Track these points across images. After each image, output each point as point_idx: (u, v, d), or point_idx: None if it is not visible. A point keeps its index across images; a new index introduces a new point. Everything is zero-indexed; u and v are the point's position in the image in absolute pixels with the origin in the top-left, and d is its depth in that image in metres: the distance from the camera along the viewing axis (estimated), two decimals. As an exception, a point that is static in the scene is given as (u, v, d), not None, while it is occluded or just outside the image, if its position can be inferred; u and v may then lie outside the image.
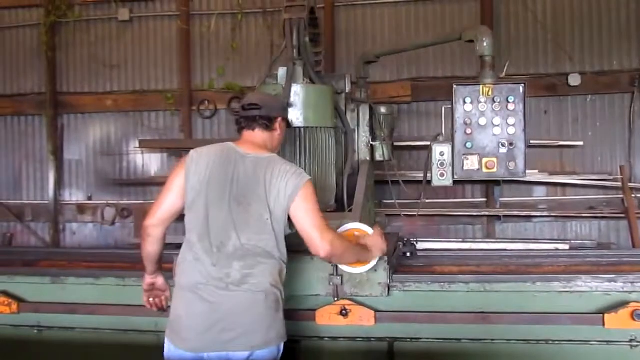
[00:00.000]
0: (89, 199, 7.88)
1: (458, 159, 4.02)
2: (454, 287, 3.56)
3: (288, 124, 3.37)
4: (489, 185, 6.91)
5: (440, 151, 4.05)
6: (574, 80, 6.77)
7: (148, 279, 3.27)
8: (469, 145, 4.00)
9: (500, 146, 3.98)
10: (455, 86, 4.04)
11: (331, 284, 3.46)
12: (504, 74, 4.18)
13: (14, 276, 4.00)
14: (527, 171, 6.50)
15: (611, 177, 6.82)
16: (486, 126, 4.00)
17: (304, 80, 4.03)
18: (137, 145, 7.53)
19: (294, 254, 3.20)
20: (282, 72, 4.01)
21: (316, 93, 4.02)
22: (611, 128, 6.89)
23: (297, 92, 3.94)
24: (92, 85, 7.93)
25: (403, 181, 4.82)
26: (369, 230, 3.34)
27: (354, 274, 3.43)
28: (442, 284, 3.57)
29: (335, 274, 3.44)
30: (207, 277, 2.88)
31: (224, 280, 2.86)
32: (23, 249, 6.84)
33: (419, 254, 4.69)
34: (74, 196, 8.02)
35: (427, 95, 7.05)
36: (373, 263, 3.34)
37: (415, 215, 6.06)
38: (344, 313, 3.48)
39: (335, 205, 4.13)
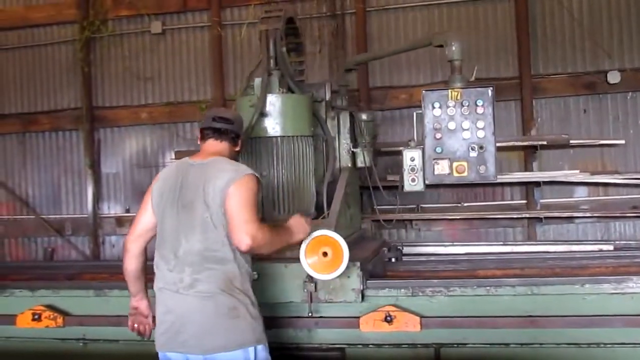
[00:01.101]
0: (127, 211, 7.94)
1: (429, 163, 4.05)
2: (500, 291, 3.49)
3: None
4: (529, 186, 6.78)
5: (411, 156, 4.10)
6: (613, 77, 6.60)
7: (132, 302, 3.39)
8: (438, 149, 4.03)
9: (470, 150, 4.00)
10: (423, 91, 4.09)
11: (305, 290, 3.46)
12: (473, 78, 4.15)
13: (58, 290, 4.07)
14: (569, 171, 6.61)
15: (655, 175, 6.62)
16: (455, 130, 4.02)
17: (280, 90, 4.06)
18: (173, 156, 7.55)
19: (267, 262, 3.34)
20: (257, 82, 4.07)
21: (292, 102, 4.07)
22: (653, 125, 6.71)
23: (272, 102, 3.99)
24: (127, 99, 7.99)
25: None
26: (337, 237, 3.31)
27: (327, 280, 3.41)
28: (488, 287, 3.50)
29: (309, 280, 3.44)
30: (165, 282, 3.04)
31: (177, 285, 2.99)
32: (65, 263, 6.87)
33: (406, 259, 4.77)
34: (112, 209, 8.09)
35: (464, 98, 6.93)
36: (341, 269, 3.30)
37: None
38: (388, 319, 3.46)
39: (315, 213, 4.13)
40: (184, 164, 3.16)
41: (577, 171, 6.64)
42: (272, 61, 4.15)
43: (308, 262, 3.32)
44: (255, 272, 3.23)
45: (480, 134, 3.99)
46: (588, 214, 6.67)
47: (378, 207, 6.78)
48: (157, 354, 3.08)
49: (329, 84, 4.53)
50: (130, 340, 3.78)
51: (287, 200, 4.03)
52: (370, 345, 3.57)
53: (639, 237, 6.64)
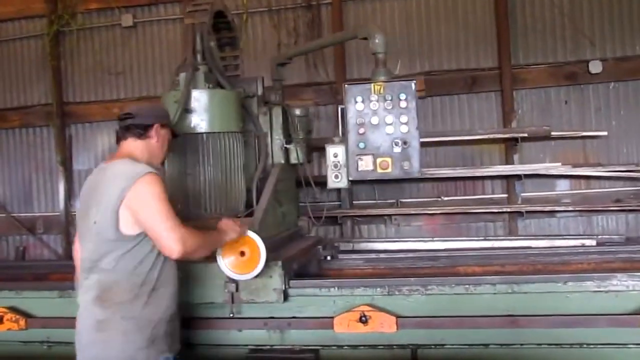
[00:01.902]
0: (100, 209, 7.73)
1: (352, 159, 3.99)
2: (480, 289, 3.37)
3: (174, 133, 3.37)
4: (510, 180, 6.67)
5: (334, 152, 4.06)
6: (595, 67, 6.49)
7: None
8: (361, 145, 3.98)
9: (394, 145, 3.95)
10: (346, 85, 4.04)
11: (227, 290, 3.40)
12: (397, 71, 4.20)
13: (21, 291, 3.93)
14: (550, 164, 6.49)
15: (638, 168, 6.50)
16: (379, 125, 3.97)
17: (206, 85, 3.97)
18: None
19: (189, 263, 3.23)
20: (181, 77, 3.96)
21: (218, 98, 3.97)
22: (636, 116, 6.57)
23: (197, 98, 3.89)
24: (98, 94, 7.77)
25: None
26: (254, 236, 3.26)
27: (247, 280, 3.35)
28: (467, 286, 3.39)
29: (229, 280, 3.37)
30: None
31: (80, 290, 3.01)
32: (35, 263, 6.73)
33: (341, 256, 4.69)
34: (84, 207, 7.87)
35: (442, 89, 6.80)
36: (259, 269, 3.25)
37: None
38: (363, 320, 3.35)
39: (244, 211, 4.07)
40: (97, 169, 3.12)
41: (559, 164, 6.53)
42: (199, 56, 4.04)
43: (225, 262, 3.26)
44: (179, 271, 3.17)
45: (404, 128, 3.93)
46: (570, 208, 6.56)
47: (356, 202, 6.87)
48: None
49: (260, 78, 4.43)
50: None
51: (215, 198, 3.94)
52: (345, 347, 3.46)
53: (621, 231, 6.53)
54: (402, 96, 3.92)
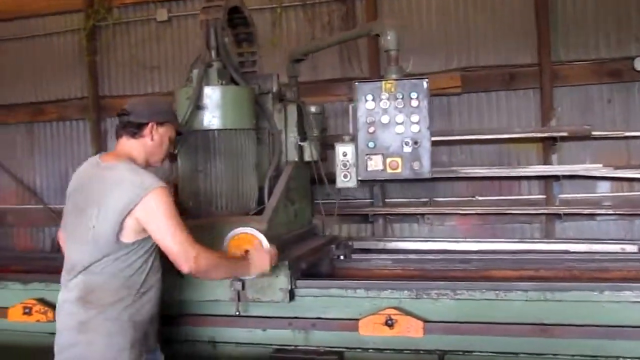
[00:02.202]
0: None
1: (362, 159, 3.92)
2: (511, 295, 3.23)
3: (178, 130, 3.28)
4: (548, 180, 6.46)
5: (343, 151, 3.99)
6: (641, 64, 6.23)
7: None
8: (371, 144, 3.90)
9: (404, 145, 3.86)
10: (356, 83, 3.96)
11: (233, 289, 3.36)
12: (409, 68, 3.99)
13: (50, 283, 3.90)
14: (590, 165, 6.26)
15: (684, 170, 6.25)
16: (389, 124, 3.88)
17: (218, 81, 3.88)
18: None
19: None
20: (194, 74, 3.89)
21: (231, 94, 3.89)
22: (684, 116, 6.32)
23: (209, 94, 3.80)
24: (133, 88, 7.83)
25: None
26: (259, 235, 3.25)
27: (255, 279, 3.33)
28: (498, 292, 3.25)
29: (235, 278, 3.34)
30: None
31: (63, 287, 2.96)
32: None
33: (356, 256, 4.60)
34: (118, 199, 7.95)
35: (479, 85, 6.63)
36: (253, 275, 3.22)
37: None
38: (389, 323, 3.26)
39: (256, 209, 3.98)
40: (91, 164, 3.01)
41: (600, 165, 6.29)
42: (213, 52, 3.97)
43: None
44: None
45: (415, 128, 3.82)
46: (611, 211, 6.33)
47: (388, 199, 6.75)
48: None
49: (276, 75, 4.35)
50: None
51: (226, 195, 3.88)
52: (370, 350, 3.38)
53: (665, 236, 6.29)
54: (414, 95, 3.82)
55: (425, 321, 3.25)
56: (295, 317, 3.47)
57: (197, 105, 3.76)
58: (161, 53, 7.73)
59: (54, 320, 3.68)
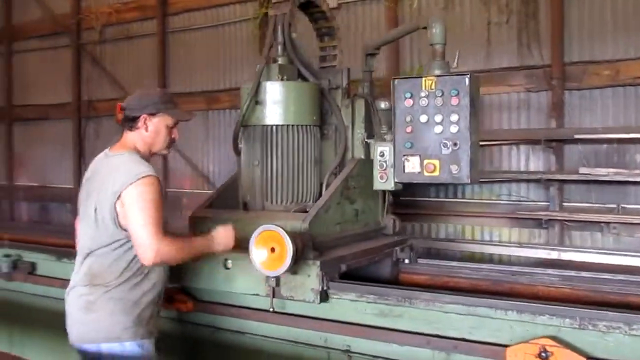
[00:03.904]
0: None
1: (399, 160, 3.72)
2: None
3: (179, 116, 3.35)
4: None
5: (381, 151, 3.88)
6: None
7: None
8: (408, 145, 3.68)
9: (443, 147, 3.58)
10: (395, 80, 3.75)
11: (267, 285, 3.38)
12: (455, 64, 3.70)
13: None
14: None
15: None
16: (428, 124, 3.63)
17: (279, 77, 3.94)
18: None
19: (240, 252, 3.33)
20: (258, 69, 3.97)
21: (289, 90, 3.94)
22: None
23: (268, 90, 3.89)
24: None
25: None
26: (282, 233, 3.20)
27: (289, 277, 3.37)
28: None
29: (270, 275, 3.34)
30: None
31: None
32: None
33: (422, 260, 4.50)
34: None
35: None
36: (285, 267, 3.19)
37: None
38: (543, 355, 2.76)
39: (312, 205, 3.92)
40: (103, 154, 3.26)
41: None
42: (279, 47, 4.05)
43: (256, 257, 3.25)
44: (229, 261, 3.47)
45: (454, 128, 3.55)
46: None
47: (566, 203, 5.96)
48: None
49: (346, 70, 4.27)
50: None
51: (282, 190, 3.94)
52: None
53: None
54: (454, 92, 3.52)
55: (589, 357, 2.70)
56: (325, 320, 3.40)
57: (256, 101, 3.86)
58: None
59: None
